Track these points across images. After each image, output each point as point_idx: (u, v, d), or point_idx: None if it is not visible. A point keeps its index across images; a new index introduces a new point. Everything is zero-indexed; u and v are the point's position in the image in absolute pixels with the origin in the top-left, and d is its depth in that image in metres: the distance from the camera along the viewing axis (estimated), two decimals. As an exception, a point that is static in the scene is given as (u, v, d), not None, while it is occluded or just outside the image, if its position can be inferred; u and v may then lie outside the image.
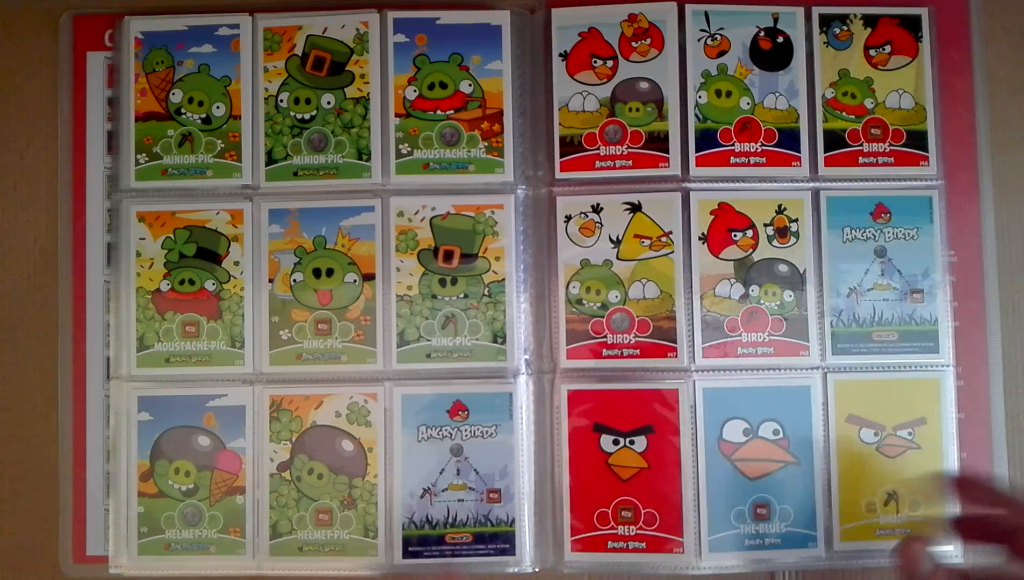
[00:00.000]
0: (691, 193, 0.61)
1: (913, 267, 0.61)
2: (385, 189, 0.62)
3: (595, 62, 0.62)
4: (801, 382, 0.60)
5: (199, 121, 0.62)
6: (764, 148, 0.62)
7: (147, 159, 0.62)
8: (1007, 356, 0.61)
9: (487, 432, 0.60)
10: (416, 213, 0.61)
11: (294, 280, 0.61)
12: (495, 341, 0.61)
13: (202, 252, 0.62)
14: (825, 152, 0.62)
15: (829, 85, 0.62)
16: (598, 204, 0.61)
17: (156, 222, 0.62)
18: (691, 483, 0.59)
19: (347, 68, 0.62)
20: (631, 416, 0.60)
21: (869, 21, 0.63)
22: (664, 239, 0.61)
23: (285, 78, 0.62)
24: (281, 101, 0.62)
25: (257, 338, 0.61)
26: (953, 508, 0.50)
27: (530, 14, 0.63)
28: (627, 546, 0.59)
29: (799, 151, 0.62)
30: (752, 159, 0.61)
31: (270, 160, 0.62)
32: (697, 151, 0.61)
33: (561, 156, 0.61)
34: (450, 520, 0.60)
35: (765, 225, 0.61)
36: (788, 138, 0.62)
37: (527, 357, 0.61)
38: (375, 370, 0.61)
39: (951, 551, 0.59)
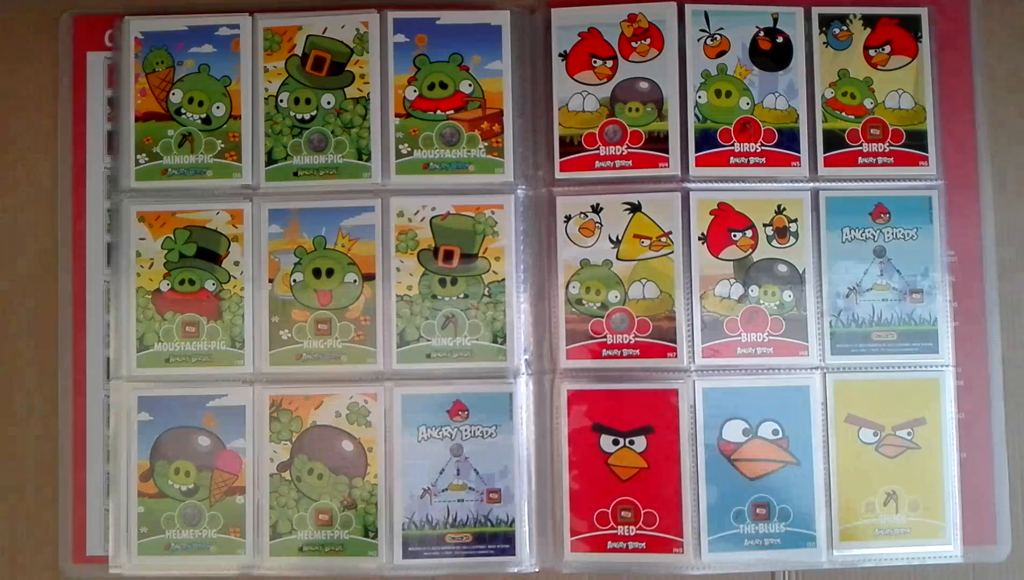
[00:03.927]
0: (691, 193, 0.61)
1: (912, 267, 0.61)
2: (385, 189, 0.62)
3: (595, 62, 0.62)
4: (800, 382, 0.60)
5: (199, 121, 0.62)
6: (764, 148, 0.61)
7: (147, 159, 0.62)
8: (1007, 356, 0.61)
9: (487, 432, 0.60)
10: (416, 213, 0.61)
11: (294, 280, 0.61)
12: (495, 341, 0.61)
13: (202, 252, 0.62)
14: (825, 152, 0.62)
15: (829, 85, 0.62)
16: (598, 204, 0.61)
17: (156, 222, 0.62)
18: (691, 483, 0.59)
19: (347, 68, 0.62)
20: (631, 416, 0.60)
21: (869, 21, 0.63)
22: (664, 239, 0.61)
23: (285, 78, 0.62)
24: (281, 101, 0.62)
25: (257, 338, 0.61)
26: None
27: (530, 14, 0.63)
28: (627, 546, 0.59)
29: (799, 151, 0.62)
30: (752, 159, 0.61)
31: (270, 160, 0.62)
32: (697, 151, 0.61)
33: (561, 156, 0.61)
34: (450, 520, 0.60)
35: (765, 225, 0.61)
36: (788, 138, 0.62)
37: (527, 357, 0.61)
38: (375, 370, 0.61)
39: (951, 551, 0.59)
